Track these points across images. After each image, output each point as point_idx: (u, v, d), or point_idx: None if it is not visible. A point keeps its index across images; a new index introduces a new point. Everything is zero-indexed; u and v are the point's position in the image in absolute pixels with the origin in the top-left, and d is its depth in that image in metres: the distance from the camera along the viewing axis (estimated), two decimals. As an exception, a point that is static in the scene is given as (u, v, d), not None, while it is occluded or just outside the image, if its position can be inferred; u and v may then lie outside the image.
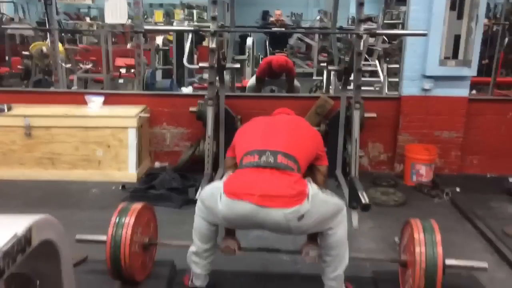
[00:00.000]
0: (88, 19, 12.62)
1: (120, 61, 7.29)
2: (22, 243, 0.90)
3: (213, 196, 2.11)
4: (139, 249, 2.44)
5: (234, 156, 2.37)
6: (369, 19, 9.09)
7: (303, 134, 2.38)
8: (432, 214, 3.57)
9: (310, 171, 2.39)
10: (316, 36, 10.82)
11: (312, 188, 2.06)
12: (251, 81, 5.91)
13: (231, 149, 2.47)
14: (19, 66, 7.16)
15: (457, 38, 4.12)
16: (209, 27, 3.44)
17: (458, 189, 4.03)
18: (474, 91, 6.23)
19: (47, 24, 6.12)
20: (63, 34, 8.55)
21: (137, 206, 2.47)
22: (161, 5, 16.13)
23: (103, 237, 2.39)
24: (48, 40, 6.71)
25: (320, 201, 2.07)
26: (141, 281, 2.49)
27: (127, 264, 2.32)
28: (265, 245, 2.82)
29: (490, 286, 2.61)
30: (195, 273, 2.36)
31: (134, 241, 2.37)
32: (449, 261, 2.23)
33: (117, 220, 2.38)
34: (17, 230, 0.90)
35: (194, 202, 3.09)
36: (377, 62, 7.70)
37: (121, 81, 6.85)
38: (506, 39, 6.28)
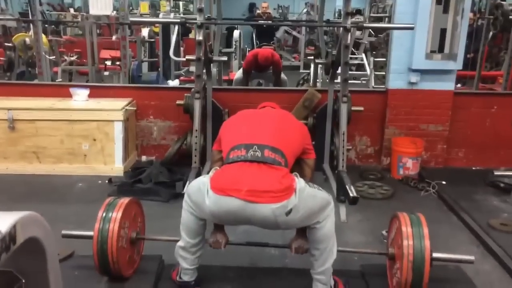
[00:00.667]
0: (72, 10, 12.39)
1: (105, 53, 7.17)
2: (7, 241, 0.88)
3: (200, 191, 2.09)
4: (126, 244, 2.41)
5: (220, 150, 2.36)
6: (357, 12, 9.11)
7: (290, 128, 2.37)
8: (418, 206, 3.62)
9: (297, 165, 2.38)
10: (303, 29, 10.82)
11: (299, 182, 2.06)
12: (238, 74, 5.89)
13: (217, 142, 2.45)
14: (1, 58, 7.01)
15: (443, 32, 4.14)
16: (195, 19, 3.41)
17: (444, 182, 4.08)
18: (459, 85, 6.30)
19: (30, 15, 6.00)
20: (46, 25, 8.39)
21: (124, 200, 2.44)
22: (146, -3, 15.93)
23: (89, 233, 2.36)
24: (31, 31, 6.58)
25: (307, 196, 2.07)
26: (129, 276, 2.47)
27: (115, 259, 2.30)
28: (254, 239, 2.81)
29: (476, 278, 2.64)
30: (183, 268, 2.34)
31: (121, 236, 2.35)
32: (436, 254, 2.25)
33: (103, 214, 2.35)
34: (1, 228, 0.87)
35: (181, 196, 3.07)
36: (363, 55, 7.73)
37: (106, 73, 6.76)
38: (491, 33, 6.33)
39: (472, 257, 2.37)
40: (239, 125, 2.35)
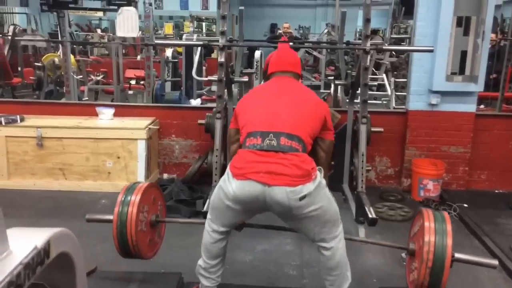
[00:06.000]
0: (99, 31, 12.80)
1: (130, 73, 7.38)
2: (42, 255, 0.94)
3: (220, 188, 2.11)
4: (146, 227, 2.45)
5: (237, 128, 2.32)
6: (373, 32, 9.11)
7: (308, 106, 2.24)
8: (439, 229, 3.58)
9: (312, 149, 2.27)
10: (324, 49, 10.88)
11: (320, 176, 2.06)
12: None
13: (234, 121, 2.40)
14: (31, 77, 7.28)
15: (463, 54, 4.15)
16: (218, 40, 3.51)
17: (465, 205, 4.03)
18: (482, 106, 6.24)
19: (59, 36, 6.25)
20: (74, 46, 8.69)
21: (143, 184, 2.49)
22: (171, 18, 16.37)
23: (110, 216, 2.42)
24: (60, 51, 6.83)
25: (324, 195, 2.07)
26: (149, 258, 2.52)
27: (134, 242, 2.34)
28: (271, 258, 2.83)
29: (497, 303, 2.60)
30: (203, 285, 2.37)
31: (141, 218, 2.39)
32: (458, 255, 2.15)
33: (123, 198, 2.40)
34: (36, 243, 0.94)
35: (202, 213, 3.13)
36: (384, 76, 7.73)
37: (130, 92, 6.95)
38: (514, 54, 6.27)
39: (495, 262, 2.25)
40: (255, 106, 2.27)
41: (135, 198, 2.38)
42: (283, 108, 2.19)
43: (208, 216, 2.27)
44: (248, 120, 2.21)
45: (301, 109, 2.21)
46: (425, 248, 2.08)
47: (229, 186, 2.06)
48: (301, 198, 1.98)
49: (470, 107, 4.34)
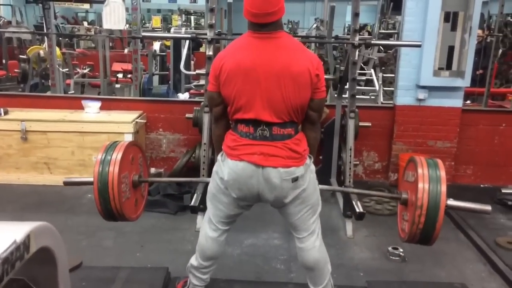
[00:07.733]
0: (85, 24, 12.64)
1: (117, 66, 7.30)
2: (21, 249, 0.92)
3: (215, 173, 2.11)
4: (130, 192, 2.30)
5: (219, 92, 2.06)
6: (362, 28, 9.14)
7: (299, 81, 1.99)
8: (425, 223, 3.60)
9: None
10: (313, 44, 10.89)
11: (310, 161, 2.09)
12: None
13: (214, 84, 2.08)
14: (16, 70, 7.16)
15: (450, 49, 4.17)
16: (206, 34, 3.49)
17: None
18: (469, 101, 6.30)
19: (44, 28, 6.14)
20: (60, 38, 8.57)
21: (124, 143, 2.31)
22: (158, 11, 16.26)
23: (89, 179, 2.23)
24: (46, 44, 6.72)
25: (312, 178, 2.10)
26: (134, 219, 2.36)
27: (117, 204, 2.16)
28: (259, 252, 2.82)
29: (482, 296, 2.63)
30: (192, 284, 2.34)
31: (123, 189, 2.21)
32: (450, 202, 2.07)
33: (103, 157, 2.18)
34: (16, 237, 0.91)
35: (189, 208, 3.12)
36: (372, 71, 7.75)
37: (117, 86, 6.87)
38: (500, 50, 6.35)
39: (488, 207, 2.14)
40: (242, 86, 2.00)
41: (117, 156, 2.17)
42: (273, 91, 1.98)
43: (206, 213, 2.24)
44: (236, 102, 2.02)
45: (293, 88, 1.98)
46: (419, 196, 1.97)
47: (223, 167, 2.06)
48: (294, 180, 1.99)
49: (456, 102, 4.37)
